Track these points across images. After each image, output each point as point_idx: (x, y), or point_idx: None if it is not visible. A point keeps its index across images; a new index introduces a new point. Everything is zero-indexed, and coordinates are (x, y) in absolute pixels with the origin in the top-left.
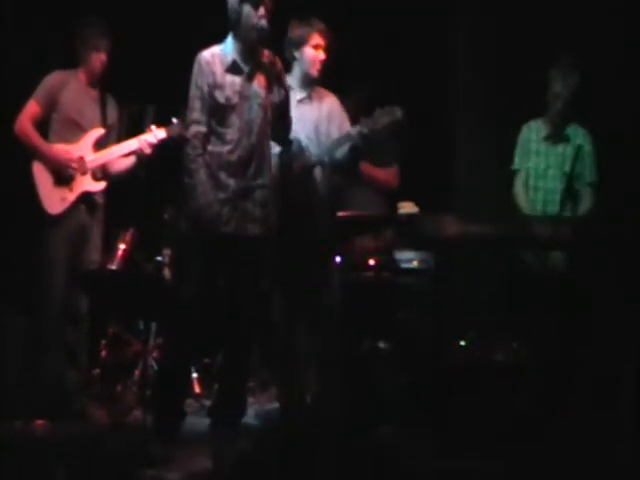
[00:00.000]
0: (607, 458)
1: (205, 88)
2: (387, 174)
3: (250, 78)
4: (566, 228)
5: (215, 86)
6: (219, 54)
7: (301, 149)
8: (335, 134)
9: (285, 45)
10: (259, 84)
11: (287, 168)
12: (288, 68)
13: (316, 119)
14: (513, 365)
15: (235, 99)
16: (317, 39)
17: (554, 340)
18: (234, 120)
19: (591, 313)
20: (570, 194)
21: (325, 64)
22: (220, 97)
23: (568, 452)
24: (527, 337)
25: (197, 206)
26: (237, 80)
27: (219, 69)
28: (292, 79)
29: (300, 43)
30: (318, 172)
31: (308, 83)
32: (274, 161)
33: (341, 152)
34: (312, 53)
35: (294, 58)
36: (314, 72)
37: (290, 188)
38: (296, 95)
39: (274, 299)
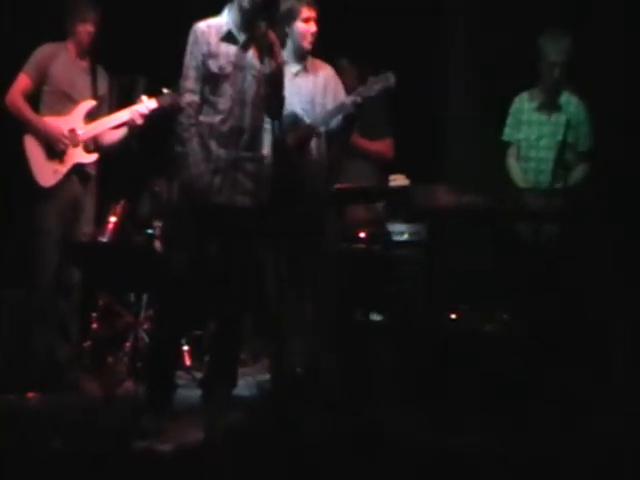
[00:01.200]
0: (604, 427)
1: (200, 57)
2: (382, 146)
3: (245, 49)
4: (558, 200)
5: (209, 55)
6: (215, 25)
7: (297, 121)
8: (330, 105)
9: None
10: (254, 55)
11: (279, 141)
12: (282, 43)
13: (311, 91)
14: (504, 337)
15: (229, 69)
16: (307, 12)
17: (547, 312)
18: (226, 89)
19: (582, 284)
20: (562, 163)
21: (317, 35)
22: (213, 66)
23: (561, 425)
24: (520, 309)
25: (189, 176)
26: (232, 50)
27: (214, 39)
28: (286, 53)
29: (290, 18)
30: (314, 143)
31: (302, 56)
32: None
33: (336, 122)
34: (303, 27)
35: (286, 33)
36: (306, 45)
37: (285, 159)
38: (291, 69)
39: (267, 270)
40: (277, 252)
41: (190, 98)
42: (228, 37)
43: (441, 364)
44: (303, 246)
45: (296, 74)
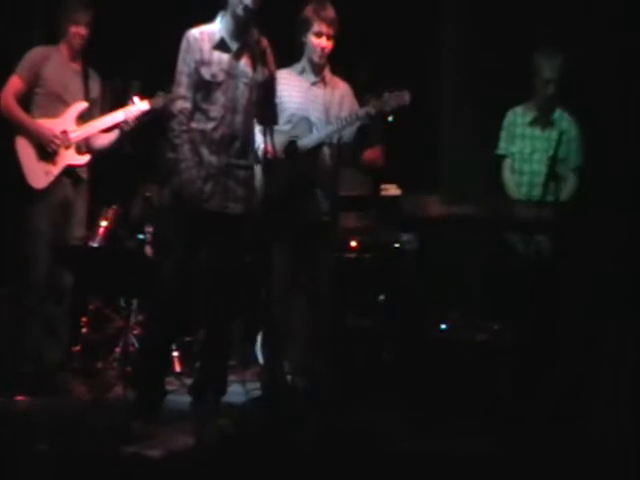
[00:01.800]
0: (590, 437)
1: (192, 64)
2: (372, 154)
3: (237, 57)
4: (549, 211)
5: (202, 63)
6: (208, 32)
7: (310, 129)
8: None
9: (296, 28)
10: (246, 63)
11: (290, 146)
12: (301, 51)
13: (327, 102)
14: (494, 346)
15: (221, 77)
16: (319, 27)
17: (536, 321)
18: (219, 97)
19: (571, 295)
20: (553, 178)
21: (331, 51)
22: (206, 74)
23: (551, 434)
24: (510, 318)
25: (180, 181)
26: (224, 58)
27: (207, 46)
28: (304, 62)
29: (304, 28)
30: (326, 150)
31: (316, 68)
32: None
33: (349, 133)
34: (314, 40)
35: (303, 42)
36: (316, 59)
37: (294, 165)
38: (309, 78)
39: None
40: (281, 256)
41: (182, 105)
42: (221, 45)
43: (432, 370)
44: (309, 250)
45: (313, 84)
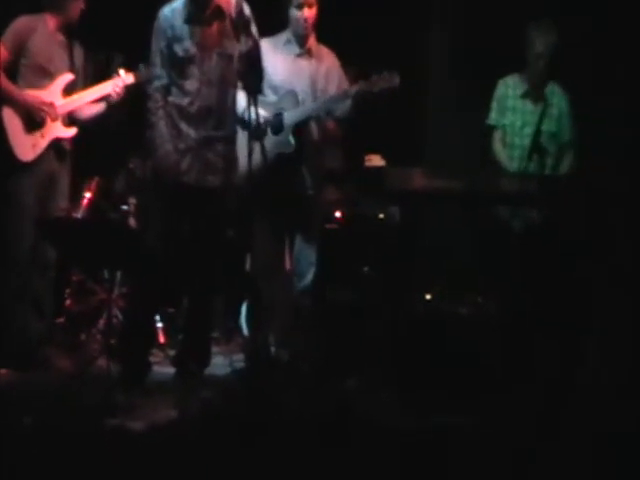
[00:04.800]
0: (574, 408)
1: (163, 43)
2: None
3: (210, 28)
4: (534, 184)
5: (174, 39)
6: (179, 7)
7: (296, 102)
8: (333, 92)
9: (281, 3)
10: (219, 33)
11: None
12: (286, 22)
13: (313, 74)
14: (478, 319)
15: (193, 50)
16: None
17: (522, 294)
18: (193, 71)
19: (559, 267)
20: (537, 151)
21: (316, 18)
22: (179, 50)
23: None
24: (496, 291)
25: (157, 157)
26: (196, 31)
27: (178, 22)
28: (289, 33)
29: (286, 3)
30: (314, 125)
31: (302, 39)
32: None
33: (342, 109)
34: (296, 14)
35: (288, 16)
36: (301, 31)
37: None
38: (294, 49)
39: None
40: (265, 229)
41: (157, 83)
42: (191, 18)
43: (415, 343)
44: (294, 224)
45: (298, 55)
